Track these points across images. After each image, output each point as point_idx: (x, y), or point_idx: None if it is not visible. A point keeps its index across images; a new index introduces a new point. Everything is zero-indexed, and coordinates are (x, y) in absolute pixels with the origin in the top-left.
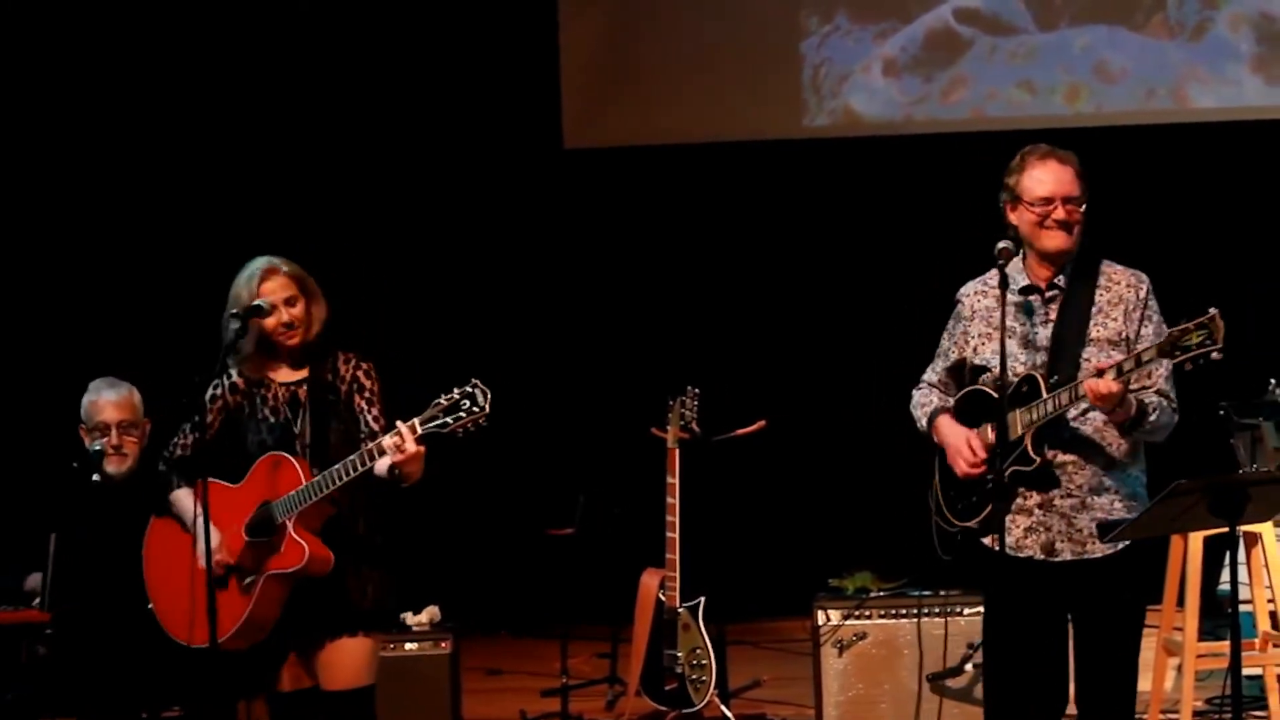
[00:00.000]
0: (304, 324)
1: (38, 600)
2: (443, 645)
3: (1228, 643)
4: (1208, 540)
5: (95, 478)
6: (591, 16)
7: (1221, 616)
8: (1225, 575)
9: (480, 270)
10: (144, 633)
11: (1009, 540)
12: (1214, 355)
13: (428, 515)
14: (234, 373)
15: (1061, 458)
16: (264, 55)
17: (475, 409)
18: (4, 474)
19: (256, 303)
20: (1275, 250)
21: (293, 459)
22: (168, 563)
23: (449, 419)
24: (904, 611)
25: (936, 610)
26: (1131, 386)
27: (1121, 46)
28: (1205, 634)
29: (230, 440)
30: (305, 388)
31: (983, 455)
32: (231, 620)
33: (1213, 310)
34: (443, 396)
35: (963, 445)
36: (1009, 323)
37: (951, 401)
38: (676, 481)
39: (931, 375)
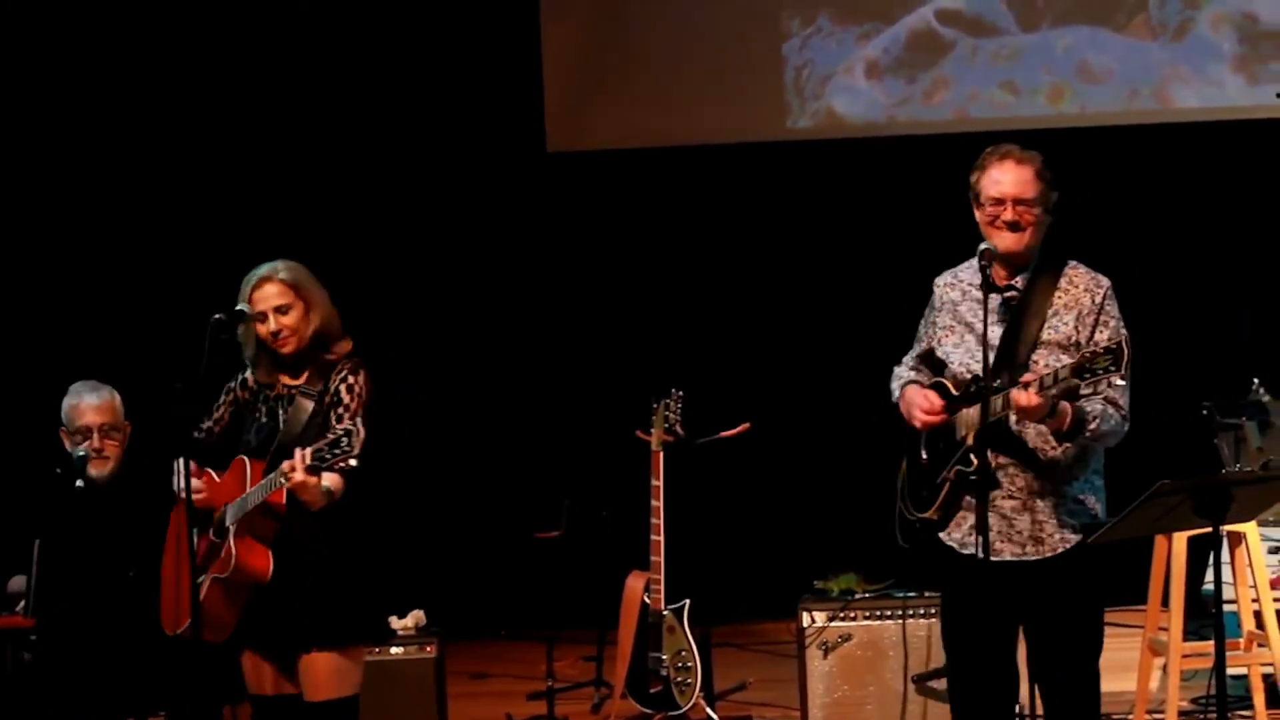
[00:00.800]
0: (295, 332)
1: (22, 604)
2: (428, 649)
3: (1212, 642)
4: (1192, 540)
5: (79, 483)
6: (573, 19)
7: (1206, 616)
8: (1210, 575)
9: (464, 274)
10: (128, 636)
11: (957, 536)
12: (1116, 380)
13: (413, 518)
14: (249, 370)
15: (1003, 460)
16: (251, 58)
17: (347, 447)
18: None
19: (238, 308)
20: (1258, 250)
21: (249, 464)
22: (170, 556)
23: (329, 454)
24: (889, 613)
25: (922, 612)
26: (1083, 392)
27: (1104, 47)
28: (1190, 634)
29: (233, 436)
30: (296, 394)
31: (938, 404)
32: (188, 612)
33: (1120, 340)
34: (330, 430)
35: (920, 397)
36: (969, 320)
37: (926, 382)
38: (661, 484)
39: (907, 360)
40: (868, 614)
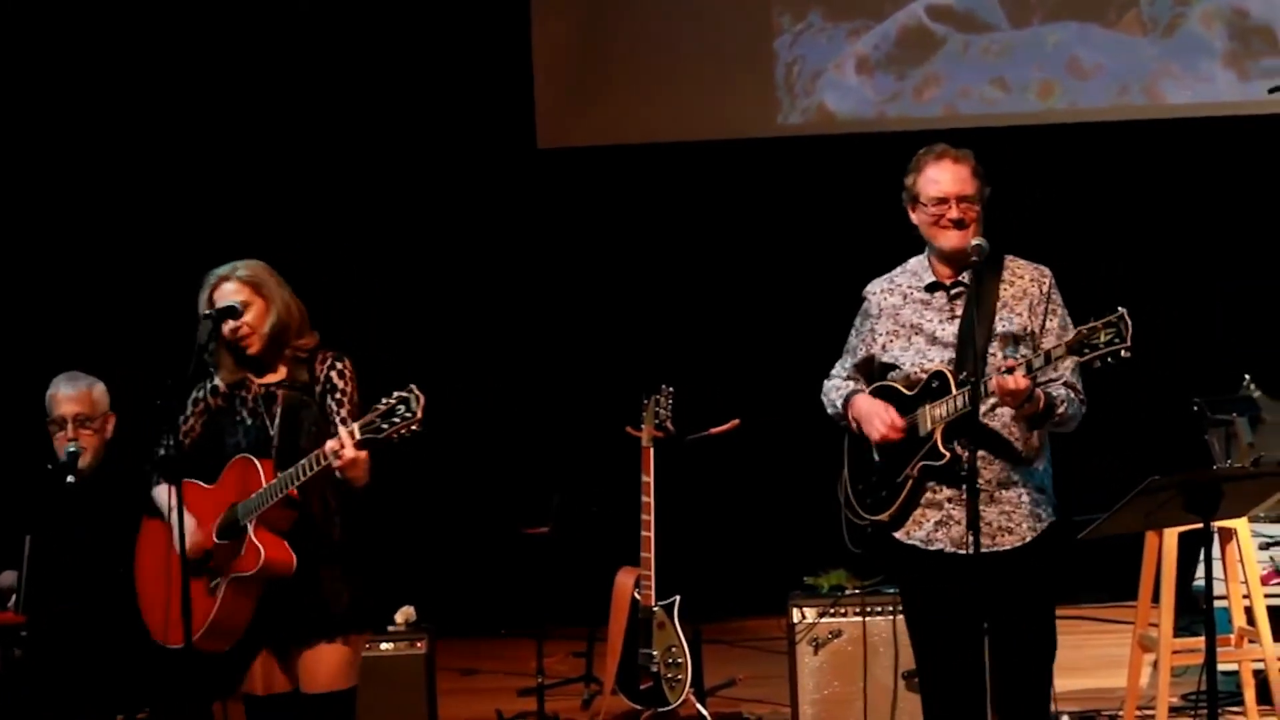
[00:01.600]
0: (254, 329)
1: (13, 600)
2: (418, 645)
3: (1203, 639)
4: (1183, 536)
5: (70, 479)
6: (564, 15)
7: (1197, 612)
8: (1200, 571)
9: (453, 270)
10: (119, 633)
11: (920, 534)
12: (1123, 354)
13: (402, 514)
14: (216, 377)
15: (969, 452)
16: (241, 53)
17: (409, 414)
18: None
19: (225, 304)
20: (1248, 247)
21: (257, 462)
22: (151, 562)
23: (385, 424)
24: (879, 609)
25: None
26: (1039, 380)
27: (1094, 43)
28: (1181, 630)
29: (212, 442)
30: (280, 390)
31: (900, 421)
32: (199, 622)
33: (1121, 309)
34: (381, 401)
35: (879, 409)
36: (915, 321)
37: (865, 388)
38: (651, 480)
39: (840, 371)
40: (858, 610)
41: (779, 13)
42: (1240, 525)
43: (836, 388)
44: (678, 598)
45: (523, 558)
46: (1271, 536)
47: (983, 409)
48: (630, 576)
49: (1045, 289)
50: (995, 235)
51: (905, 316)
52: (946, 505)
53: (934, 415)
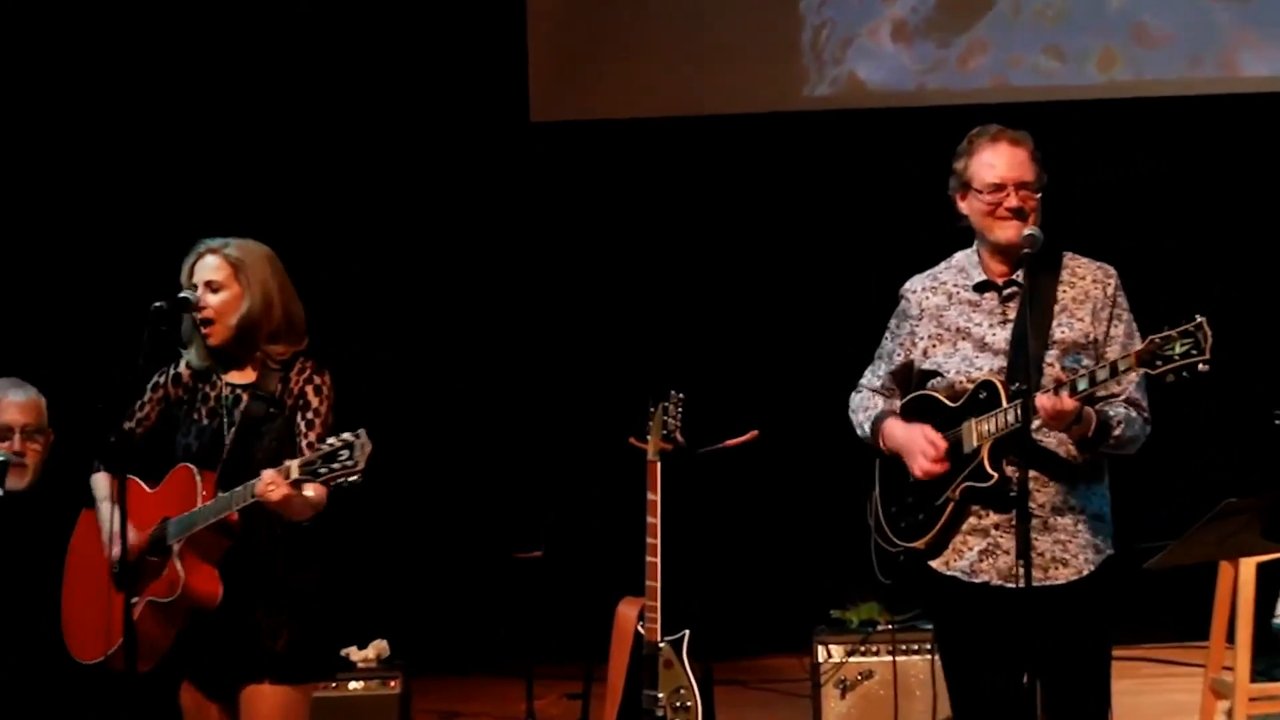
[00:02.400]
0: (219, 316)
1: None
2: (391, 684)
3: None
4: (1261, 567)
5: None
6: None
7: (1277, 654)
8: None
9: (436, 259)
10: (49, 653)
11: (962, 564)
12: (1200, 368)
13: (376, 536)
14: (183, 363)
15: (1020, 473)
16: (219, 28)
17: (350, 462)
18: None
19: (181, 295)
20: None
21: (197, 475)
22: (80, 565)
23: (323, 469)
24: (916, 647)
25: None
26: (1099, 394)
27: (1163, 7)
28: (1258, 674)
29: (163, 439)
30: (246, 394)
31: (944, 450)
32: (115, 638)
33: (1199, 318)
34: (328, 441)
35: (920, 440)
36: (962, 324)
37: (898, 405)
38: (658, 498)
39: (872, 379)
40: (890, 649)
41: None
42: None
43: (865, 406)
44: (687, 632)
45: (512, 586)
46: None
47: (1035, 425)
48: (633, 608)
49: (1110, 291)
50: (1051, 228)
51: (950, 319)
52: (993, 532)
53: (981, 431)
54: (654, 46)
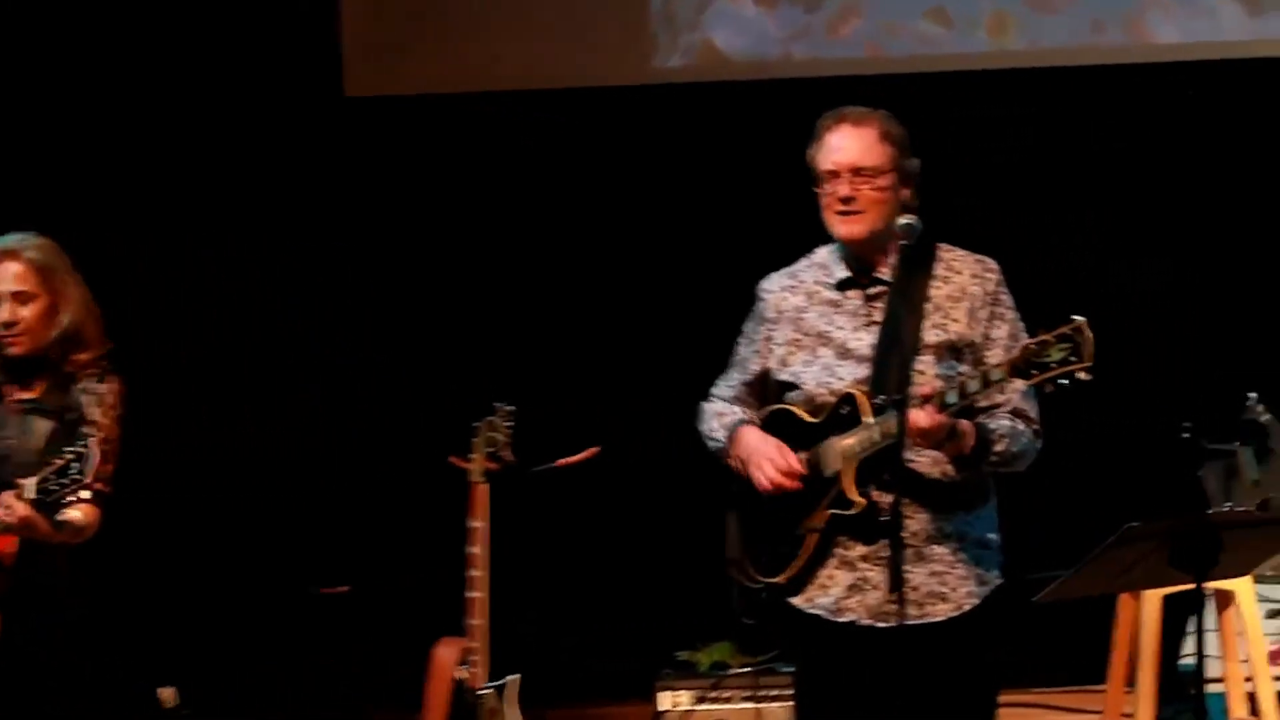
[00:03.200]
0: (29, 330)
1: None
2: None
3: None
4: (1168, 600)
5: None
6: None
7: (1184, 699)
8: (1189, 646)
9: (224, 246)
10: None
11: (826, 601)
12: (1080, 376)
13: (162, 569)
14: None
15: (891, 498)
16: None
17: (79, 474)
18: None
19: None
20: (1256, 226)
21: None
22: None
23: (56, 485)
24: (773, 693)
25: None
26: (981, 404)
27: None
28: None
29: None
30: (26, 408)
31: (797, 467)
32: None
33: (1077, 319)
34: (63, 451)
35: (771, 450)
36: (823, 328)
37: (757, 418)
38: (483, 525)
39: (724, 389)
40: (747, 694)
41: None
42: (1242, 587)
43: (719, 414)
44: (516, 677)
45: (316, 625)
46: None
47: (908, 442)
48: (453, 650)
49: (991, 288)
50: (928, 218)
51: (810, 322)
52: (861, 565)
53: (843, 450)
54: (483, 12)
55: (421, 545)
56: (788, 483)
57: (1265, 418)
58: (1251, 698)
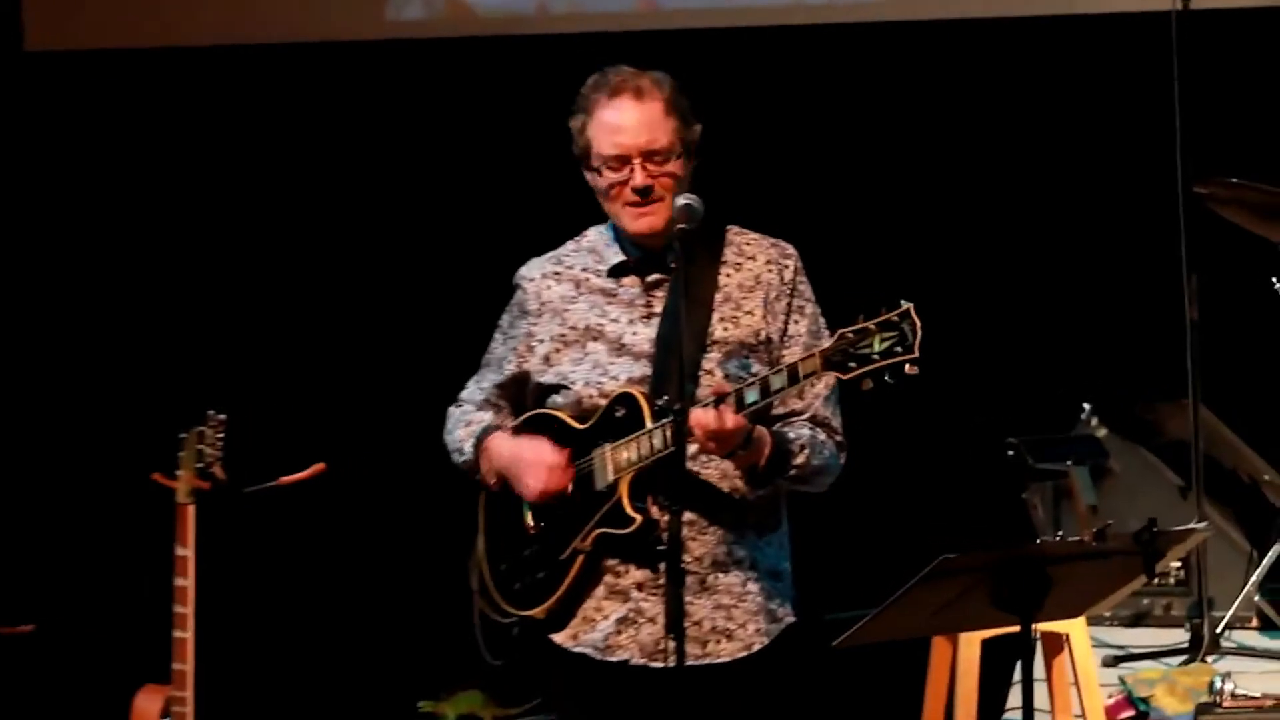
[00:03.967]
0: None
1: None
2: None
3: None
4: (988, 645)
5: None
6: None
7: None
8: (1015, 698)
9: None
10: None
11: (594, 637)
12: (907, 369)
13: None
14: None
15: (671, 516)
16: None
17: None
18: None
19: None
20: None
21: None
22: None
23: None
24: None
25: None
26: (776, 411)
27: None
28: None
29: None
30: None
31: (568, 469)
32: None
33: (905, 304)
34: None
35: (543, 450)
36: (594, 322)
37: (509, 423)
38: (191, 554)
39: (475, 392)
40: None
41: None
42: (1075, 629)
43: (466, 420)
44: None
45: None
46: (1122, 647)
47: (691, 451)
48: (156, 699)
49: (788, 276)
50: (713, 195)
51: (579, 314)
52: (635, 595)
53: (618, 460)
54: None
55: (119, 576)
56: (558, 485)
57: (1102, 432)
58: None
